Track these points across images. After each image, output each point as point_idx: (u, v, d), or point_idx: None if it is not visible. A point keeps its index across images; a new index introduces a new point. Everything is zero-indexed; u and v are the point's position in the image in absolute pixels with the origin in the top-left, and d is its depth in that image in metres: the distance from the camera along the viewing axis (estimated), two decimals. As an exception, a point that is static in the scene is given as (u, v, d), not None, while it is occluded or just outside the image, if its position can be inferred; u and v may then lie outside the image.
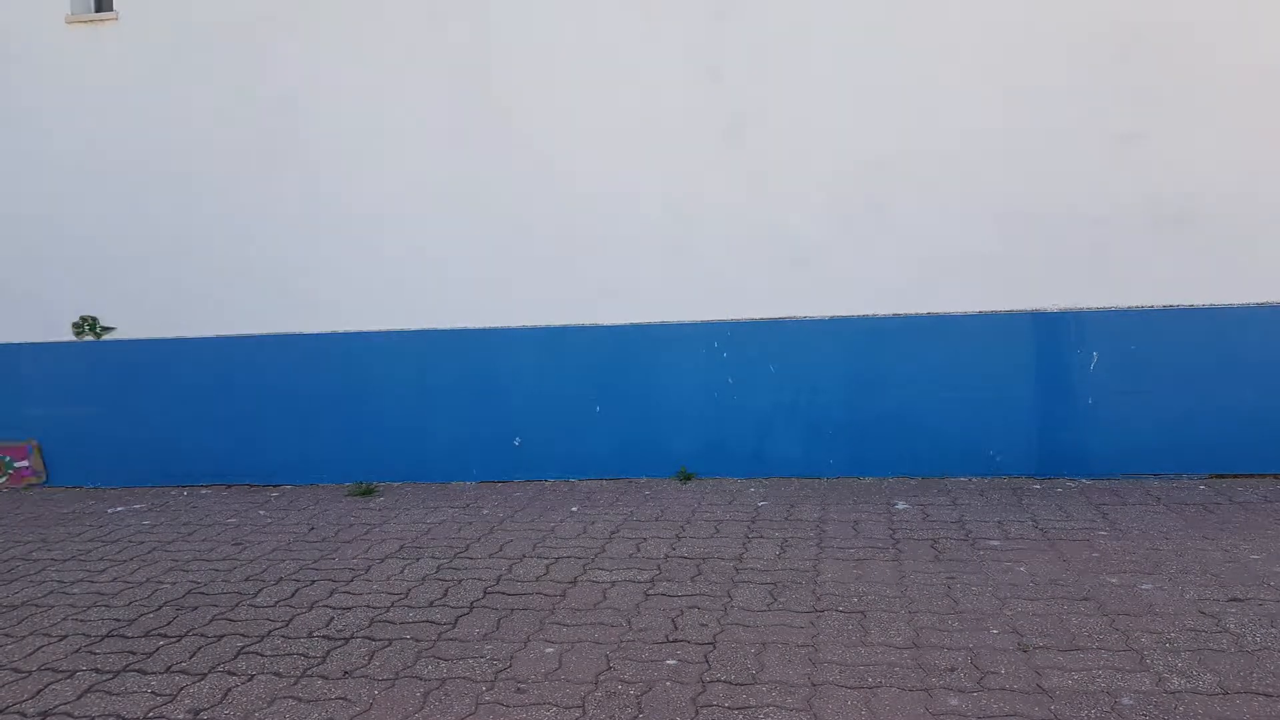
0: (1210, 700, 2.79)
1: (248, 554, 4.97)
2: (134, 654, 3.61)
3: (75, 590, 4.47)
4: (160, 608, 4.15)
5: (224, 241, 7.45)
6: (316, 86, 7.22)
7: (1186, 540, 4.39)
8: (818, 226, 6.47)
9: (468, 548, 4.87)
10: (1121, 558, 4.17)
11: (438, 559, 4.68)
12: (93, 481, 7.01)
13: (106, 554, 5.10)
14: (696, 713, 2.89)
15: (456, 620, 3.80)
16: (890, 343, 5.97)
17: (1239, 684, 2.89)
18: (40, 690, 3.31)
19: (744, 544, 4.67)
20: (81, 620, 4.03)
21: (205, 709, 3.09)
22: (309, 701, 3.11)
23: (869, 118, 6.38)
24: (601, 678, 3.18)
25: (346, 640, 3.64)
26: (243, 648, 3.62)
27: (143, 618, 4.03)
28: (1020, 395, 5.83)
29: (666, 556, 4.52)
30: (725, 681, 3.09)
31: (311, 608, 4.05)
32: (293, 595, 4.23)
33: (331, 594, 4.22)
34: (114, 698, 3.22)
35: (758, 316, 6.19)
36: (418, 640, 3.60)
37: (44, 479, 7.08)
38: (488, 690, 3.12)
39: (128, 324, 7.41)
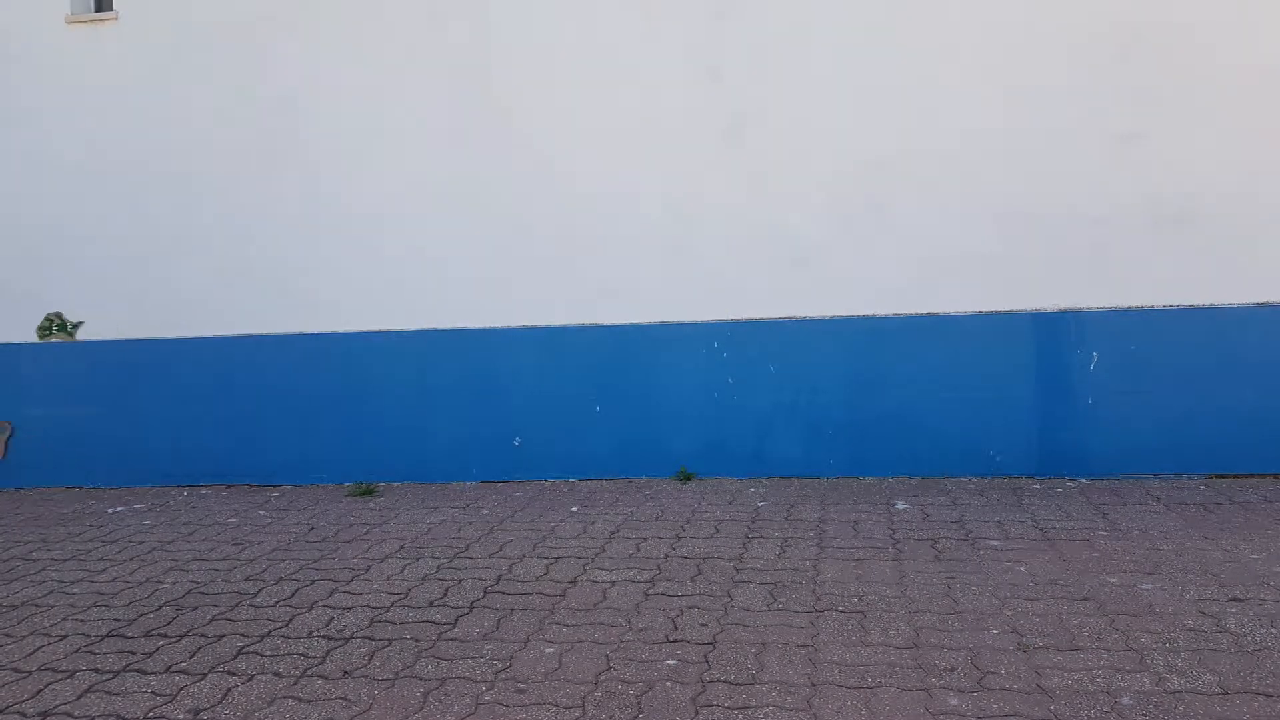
0: (1210, 700, 2.79)
1: (248, 554, 4.97)
2: (134, 654, 3.61)
3: (75, 590, 4.47)
4: (160, 608, 4.15)
5: (224, 241, 7.45)
6: (316, 86, 7.23)
7: (1186, 540, 4.39)
8: (818, 226, 6.48)
9: (468, 548, 4.86)
10: (1121, 558, 4.17)
11: (438, 559, 4.68)
12: (93, 481, 7.00)
13: (106, 554, 5.10)
14: (696, 713, 2.88)
15: (456, 620, 3.79)
16: (890, 343, 5.96)
17: (1239, 684, 2.89)
18: (40, 690, 3.31)
19: (744, 544, 4.66)
20: (81, 620, 4.03)
21: (205, 709, 3.09)
22: (309, 701, 3.11)
23: (869, 118, 6.39)
24: (601, 678, 3.17)
25: (346, 640, 3.64)
26: (243, 648, 3.61)
27: (143, 618, 4.02)
28: (1020, 395, 5.82)
29: (666, 556, 4.51)
30: (725, 681, 3.09)
31: (311, 608, 4.04)
32: (293, 595, 4.23)
33: (331, 594, 4.22)
34: (114, 698, 3.22)
35: (758, 316, 6.18)
36: (418, 640, 3.60)
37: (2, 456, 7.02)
38: (488, 690, 3.12)
39: (128, 324, 7.39)
